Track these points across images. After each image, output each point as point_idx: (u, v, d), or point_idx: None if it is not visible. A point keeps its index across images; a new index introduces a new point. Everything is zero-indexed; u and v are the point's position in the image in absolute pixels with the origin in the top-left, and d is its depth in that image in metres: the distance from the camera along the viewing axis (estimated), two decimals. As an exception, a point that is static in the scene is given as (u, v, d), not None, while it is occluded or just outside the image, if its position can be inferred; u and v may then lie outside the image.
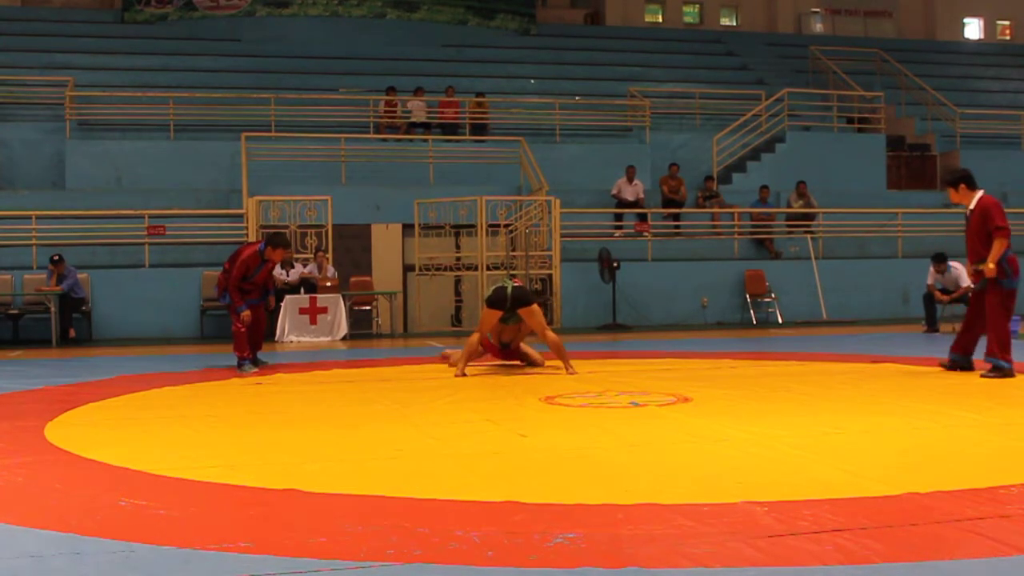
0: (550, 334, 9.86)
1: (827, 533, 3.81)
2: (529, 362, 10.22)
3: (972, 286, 14.33)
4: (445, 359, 10.58)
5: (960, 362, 9.41)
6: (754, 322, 17.80)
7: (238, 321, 10.43)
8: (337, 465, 5.43)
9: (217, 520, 4.23)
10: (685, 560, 3.54)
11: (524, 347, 10.26)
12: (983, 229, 8.99)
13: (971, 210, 9.13)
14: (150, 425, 6.89)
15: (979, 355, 9.24)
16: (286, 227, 16.36)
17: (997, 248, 8.89)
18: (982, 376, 8.96)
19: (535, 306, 9.89)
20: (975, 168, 23.03)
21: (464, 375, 9.51)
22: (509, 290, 9.68)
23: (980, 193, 9.15)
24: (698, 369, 10.12)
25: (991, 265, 8.90)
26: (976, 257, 9.12)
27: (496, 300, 9.70)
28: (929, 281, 14.85)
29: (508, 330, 9.99)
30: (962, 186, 9.18)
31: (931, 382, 8.88)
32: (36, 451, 5.84)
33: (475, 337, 9.89)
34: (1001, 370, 8.89)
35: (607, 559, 3.56)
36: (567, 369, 9.60)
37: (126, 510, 4.41)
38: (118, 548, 3.79)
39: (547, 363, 10.11)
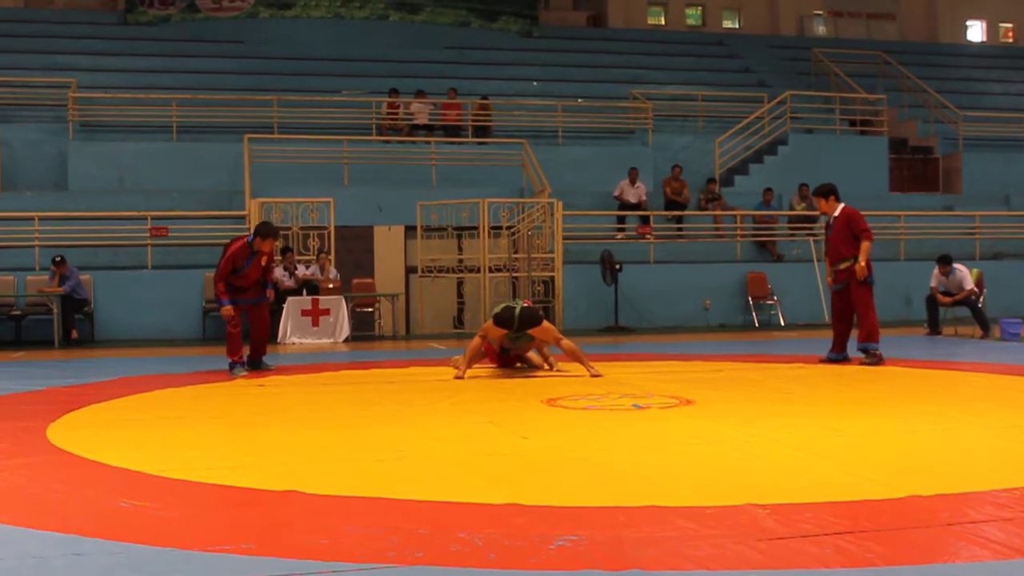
0: (565, 342, 9.80)
1: (829, 535, 3.81)
2: (531, 365, 10.19)
3: (975, 290, 14.51)
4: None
5: (839, 359, 10.58)
6: (756, 324, 17.78)
7: (226, 320, 10.39)
8: (339, 466, 5.43)
9: (218, 521, 4.23)
10: (687, 562, 3.54)
11: (527, 355, 10.21)
12: (847, 232, 10.33)
13: (835, 217, 10.50)
14: (152, 426, 6.89)
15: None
16: (288, 228, 16.39)
17: (867, 248, 10.26)
18: (861, 364, 10.24)
19: (545, 323, 9.81)
20: (978, 171, 23.14)
21: (463, 378, 9.49)
22: (518, 311, 9.54)
23: (843, 204, 10.55)
24: (700, 371, 10.11)
25: (862, 264, 10.19)
26: (837, 257, 10.44)
27: (504, 319, 9.57)
28: (933, 283, 14.82)
29: (515, 346, 9.95)
30: (831, 197, 10.60)
31: (933, 385, 8.87)
32: (38, 452, 5.85)
33: (477, 341, 9.86)
34: (874, 356, 10.27)
35: (609, 561, 3.56)
36: (589, 372, 9.49)
37: (127, 511, 4.41)
38: (119, 549, 3.79)
39: (560, 366, 10.07)
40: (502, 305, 9.87)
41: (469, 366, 9.76)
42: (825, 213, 10.80)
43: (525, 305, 9.76)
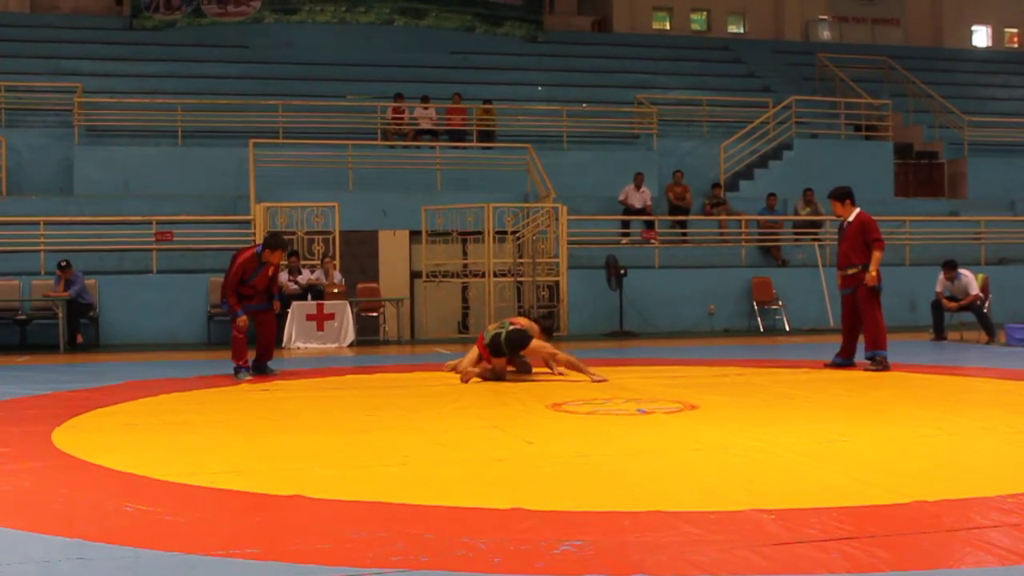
0: (560, 356, 9.79)
1: (834, 541, 3.80)
2: (520, 368, 10.19)
3: (981, 295, 14.48)
4: (453, 370, 10.53)
5: (844, 364, 10.58)
6: (761, 329, 17.76)
7: (236, 328, 10.38)
8: (343, 471, 5.43)
9: (223, 526, 4.23)
10: (692, 568, 3.53)
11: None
12: (860, 239, 10.28)
13: (849, 222, 10.47)
14: (157, 431, 6.90)
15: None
16: (293, 233, 16.39)
17: (878, 258, 10.22)
18: (866, 370, 10.13)
19: (534, 343, 9.69)
20: (983, 176, 23.12)
21: (468, 382, 9.52)
22: (503, 336, 9.57)
23: (858, 209, 10.51)
24: (705, 376, 10.10)
25: (873, 273, 10.16)
26: (847, 262, 10.42)
27: (495, 347, 9.65)
28: (938, 288, 14.80)
29: (514, 362, 10.00)
30: (847, 201, 10.54)
31: (938, 390, 8.86)
32: (43, 456, 5.85)
33: (473, 354, 9.93)
34: (880, 363, 10.17)
35: (614, 566, 3.56)
36: (592, 379, 9.45)
37: (132, 516, 4.42)
38: (124, 554, 3.80)
39: (561, 369, 10.03)
40: (493, 331, 9.82)
41: (473, 367, 9.79)
42: (839, 216, 10.73)
43: (511, 328, 9.70)
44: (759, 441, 6.05)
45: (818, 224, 19.41)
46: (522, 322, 10.04)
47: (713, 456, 5.72)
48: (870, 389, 8.91)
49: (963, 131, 23.18)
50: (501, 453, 5.88)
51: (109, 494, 4.83)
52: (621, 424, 6.96)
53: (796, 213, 19.69)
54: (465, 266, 17.73)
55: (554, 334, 11.19)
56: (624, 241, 18.79)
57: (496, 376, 9.83)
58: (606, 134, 21.98)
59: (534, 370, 10.19)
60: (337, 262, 16.42)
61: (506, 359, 9.80)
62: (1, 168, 18.40)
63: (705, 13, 30.93)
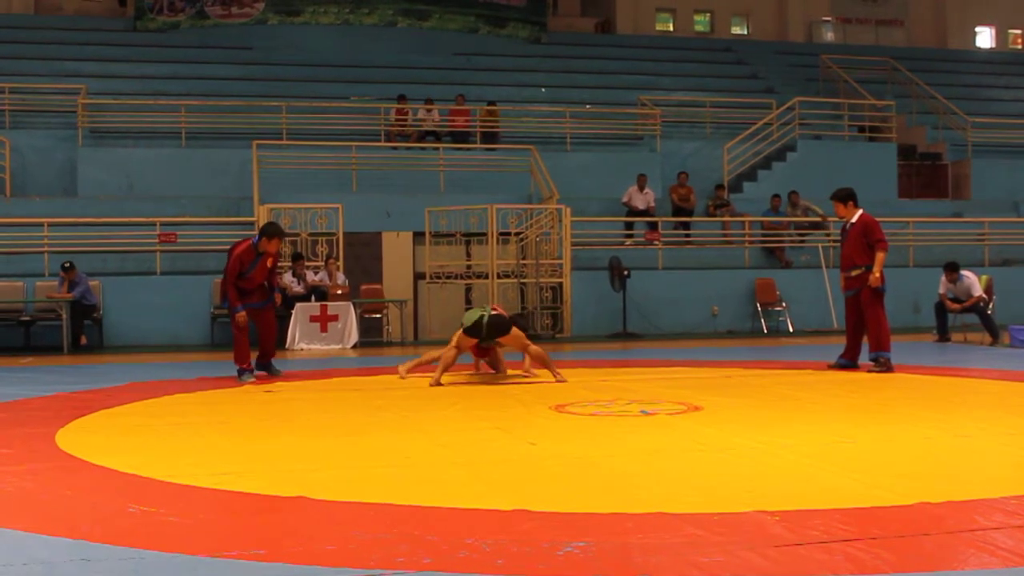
0: (532, 348, 9.74)
1: (837, 543, 3.80)
2: (497, 369, 10.19)
3: (984, 296, 14.46)
4: (424, 363, 10.50)
5: (848, 366, 10.56)
6: (765, 331, 17.75)
7: (235, 325, 10.30)
8: (347, 473, 5.43)
9: (226, 527, 4.24)
10: (695, 569, 3.53)
11: (497, 351, 10.19)
12: (862, 241, 10.27)
13: (852, 223, 10.46)
14: (160, 432, 6.90)
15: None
16: (297, 234, 16.42)
17: (881, 259, 10.20)
18: (870, 372, 10.11)
19: (513, 331, 9.69)
20: (987, 177, 23.09)
21: (440, 384, 9.43)
22: (485, 319, 9.54)
23: (861, 211, 10.52)
24: (708, 378, 10.09)
25: (877, 275, 10.13)
26: (850, 264, 10.40)
27: (472, 330, 9.62)
28: (941, 290, 14.79)
29: (487, 349, 9.99)
30: (850, 203, 10.53)
31: (942, 391, 8.86)
32: (47, 457, 5.86)
33: (452, 353, 9.76)
34: (884, 364, 10.15)
35: (617, 568, 3.55)
36: (555, 377, 9.52)
37: (136, 517, 4.42)
38: (127, 555, 3.80)
39: (534, 371, 10.02)
40: (474, 315, 9.75)
41: (443, 373, 9.69)
42: (842, 218, 10.72)
43: (493, 313, 9.68)
44: (762, 442, 6.04)
45: (818, 225, 19.38)
46: (499, 309, 9.99)
47: (716, 457, 5.72)
48: (874, 390, 8.90)
49: (967, 132, 23.17)
50: (504, 454, 5.88)
51: (112, 495, 4.84)
52: (624, 425, 6.96)
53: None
54: (469, 267, 17.75)
55: (528, 333, 11.07)
56: (627, 242, 18.79)
57: (492, 366, 9.85)
58: (609, 135, 21.97)
59: (509, 372, 10.18)
60: (341, 263, 16.44)
61: (488, 346, 9.77)
62: (5, 170, 18.44)
63: (708, 14, 30.92)
